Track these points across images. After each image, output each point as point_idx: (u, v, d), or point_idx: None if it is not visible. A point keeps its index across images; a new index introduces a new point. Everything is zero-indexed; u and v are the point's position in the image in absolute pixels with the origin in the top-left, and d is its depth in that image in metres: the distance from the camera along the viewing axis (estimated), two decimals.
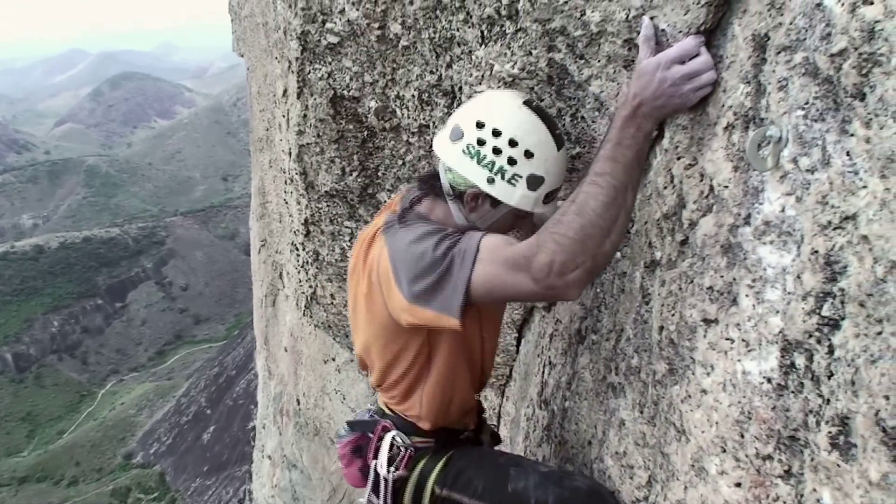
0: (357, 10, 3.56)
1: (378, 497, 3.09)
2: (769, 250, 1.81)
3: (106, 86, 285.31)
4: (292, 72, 4.52)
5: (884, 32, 1.39)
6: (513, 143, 2.55)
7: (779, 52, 1.80)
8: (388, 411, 3.21)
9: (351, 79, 4.12)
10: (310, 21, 4.01)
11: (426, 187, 2.94)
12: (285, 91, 5.22)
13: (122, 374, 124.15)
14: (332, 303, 6.46)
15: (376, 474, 3.09)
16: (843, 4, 1.51)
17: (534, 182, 2.59)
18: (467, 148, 2.63)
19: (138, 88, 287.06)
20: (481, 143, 2.59)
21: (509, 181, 2.59)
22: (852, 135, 1.48)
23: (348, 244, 5.57)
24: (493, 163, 2.58)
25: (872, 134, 1.42)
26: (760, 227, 1.84)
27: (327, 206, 5.33)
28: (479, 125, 2.59)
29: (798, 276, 1.66)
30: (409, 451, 3.08)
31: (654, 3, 2.26)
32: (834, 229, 1.54)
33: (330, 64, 4.16)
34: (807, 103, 1.66)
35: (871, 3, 1.43)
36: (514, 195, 2.61)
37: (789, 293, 1.70)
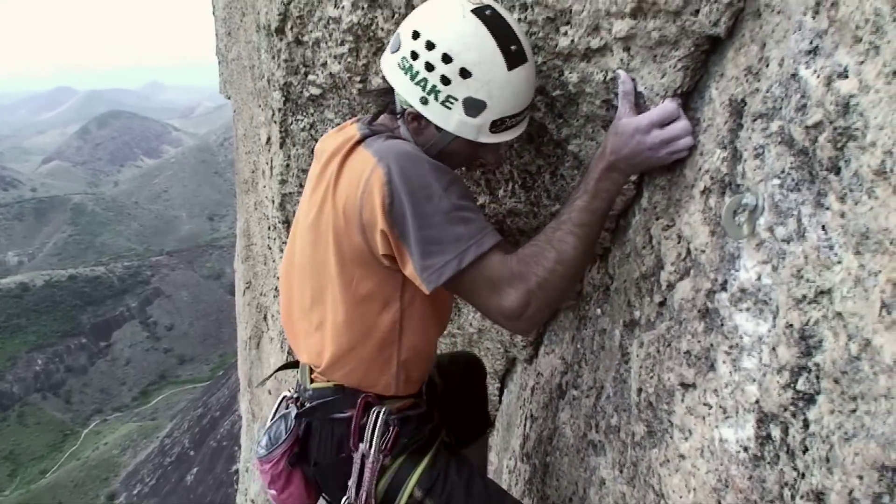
0: (339, 63, 3.57)
1: (354, 493, 2.70)
2: (745, 318, 1.80)
3: (93, 124, 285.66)
4: (275, 121, 4.52)
5: (859, 107, 1.39)
6: (446, 59, 2.25)
7: (755, 119, 1.80)
8: (327, 383, 2.78)
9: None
10: (292, 73, 4.01)
11: (382, 104, 2.74)
12: (269, 139, 5.23)
13: (105, 413, 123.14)
14: None
15: (362, 463, 2.67)
16: (818, 76, 1.51)
17: (472, 107, 2.31)
18: (402, 61, 2.36)
19: (125, 127, 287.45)
20: (415, 56, 2.31)
21: (443, 103, 2.33)
22: (828, 208, 1.48)
23: None
24: (426, 80, 2.31)
25: (847, 209, 1.42)
26: (737, 293, 1.84)
27: None
28: (415, 35, 2.31)
29: (773, 349, 1.65)
30: (394, 428, 2.72)
31: (632, 66, 2.26)
32: (809, 303, 1.53)
33: (312, 115, 4.16)
34: (783, 172, 1.66)
35: (846, 77, 1.43)
36: (451, 120, 2.36)
37: (765, 365, 1.69)
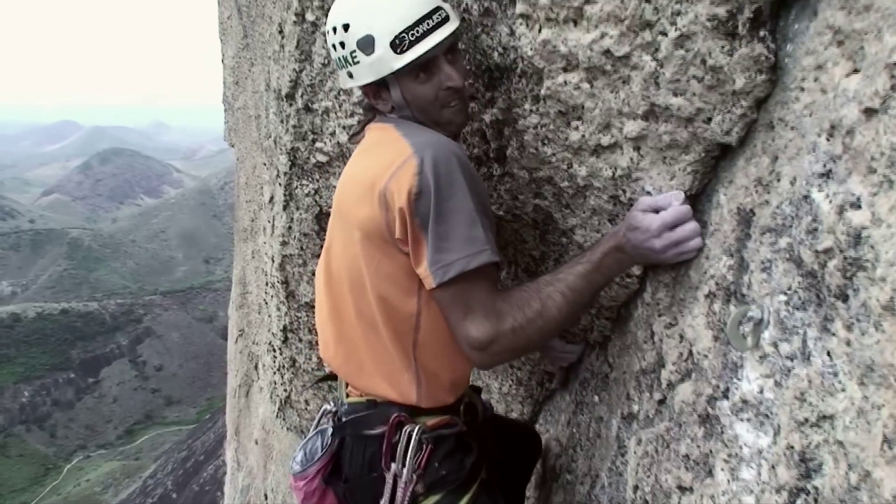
0: (347, 134, 3.59)
1: None
2: (746, 428, 1.79)
3: (96, 160, 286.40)
4: (280, 184, 4.54)
5: (870, 239, 1.39)
6: (335, 31, 2.50)
7: (763, 233, 1.81)
8: (361, 397, 2.74)
9: None
10: (300, 139, 4.04)
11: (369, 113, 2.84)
12: (272, 198, 5.24)
13: (89, 450, 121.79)
14: (305, 409, 6.38)
15: (394, 484, 2.59)
16: (830, 202, 1.52)
17: (365, 46, 2.44)
18: (335, 63, 2.64)
19: (127, 165, 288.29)
20: (333, 49, 2.57)
21: (354, 63, 2.50)
22: (834, 334, 1.48)
23: None
24: (342, 58, 2.54)
25: (854, 338, 1.41)
26: (738, 403, 1.83)
27: (307, 316, 5.30)
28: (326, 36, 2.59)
29: (773, 467, 1.64)
30: (428, 446, 2.61)
31: (641, 165, 2.27)
32: (811, 426, 1.53)
33: (317, 181, 4.18)
34: (790, 289, 1.66)
35: (859, 208, 1.43)
36: (364, 71, 2.50)
37: (764, 481, 1.68)
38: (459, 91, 2.56)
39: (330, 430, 2.79)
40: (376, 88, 2.59)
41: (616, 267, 2.37)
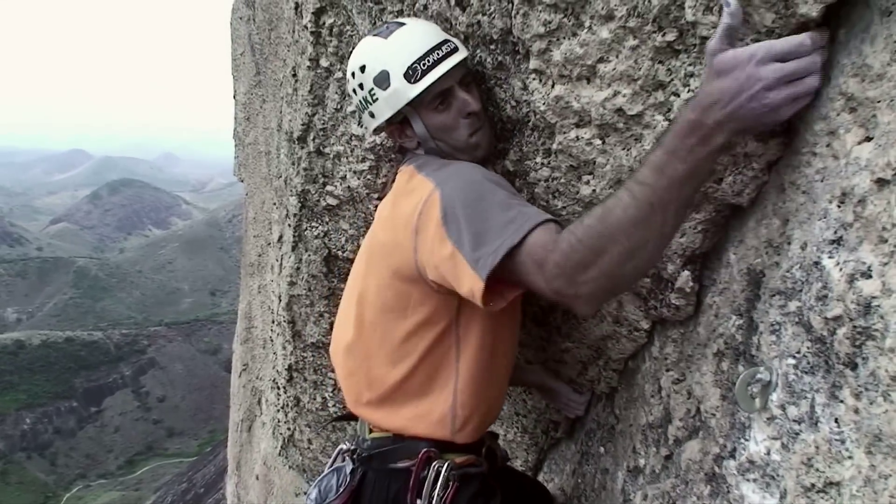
0: (358, 179, 3.62)
1: None
2: (752, 488, 1.79)
3: (105, 189, 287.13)
4: (289, 225, 4.56)
5: (880, 309, 1.39)
6: (353, 75, 2.68)
7: (773, 295, 1.81)
8: (391, 436, 2.71)
9: (346, 241, 4.16)
10: (311, 181, 4.07)
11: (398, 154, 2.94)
12: (280, 237, 5.26)
13: (89, 479, 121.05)
14: (308, 447, 6.36)
15: None
16: (841, 270, 1.52)
17: (381, 81, 2.58)
18: (356, 107, 2.81)
19: (136, 195, 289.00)
20: (354, 93, 2.73)
21: (374, 101, 2.64)
22: (842, 401, 1.48)
23: (330, 394, 5.51)
24: (362, 101, 2.69)
25: (862, 407, 1.41)
26: (745, 463, 1.83)
27: (312, 356, 5.30)
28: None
29: None
30: (454, 484, 2.59)
31: None
32: (818, 492, 1.53)
33: (327, 224, 4.20)
34: (798, 353, 1.66)
35: (870, 277, 1.43)
36: (383, 106, 2.63)
37: None
38: (479, 115, 2.66)
39: (349, 467, 2.75)
40: (400, 127, 2.72)
41: (702, 147, 1.74)
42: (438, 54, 2.54)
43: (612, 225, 1.88)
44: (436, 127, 2.65)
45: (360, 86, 2.65)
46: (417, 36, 2.59)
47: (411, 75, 2.52)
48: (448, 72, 2.53)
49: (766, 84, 1.64)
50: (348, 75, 2.73)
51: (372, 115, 2.69)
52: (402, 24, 2.64)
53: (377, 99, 2.61)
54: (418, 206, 2.42)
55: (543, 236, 2.08)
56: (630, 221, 1.85)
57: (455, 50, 2.58)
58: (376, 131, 2.84)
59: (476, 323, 2.58)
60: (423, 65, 2.53)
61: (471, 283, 2.18)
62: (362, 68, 2.62)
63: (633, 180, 1.87)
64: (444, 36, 2.61)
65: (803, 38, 1.65)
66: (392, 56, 2.56)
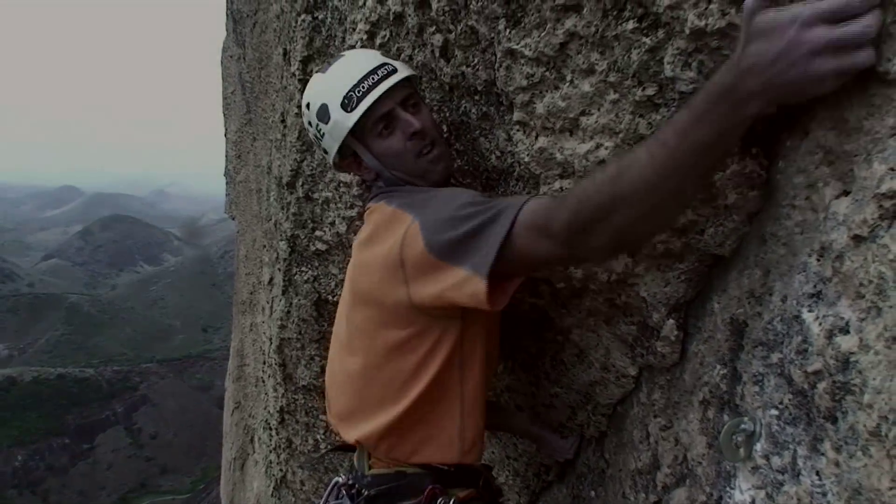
0: (346, 224, 3.64)
1: None
2: None
3: (96, 226, 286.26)
4: (279, 269, 4.58)
5: (858, 365, 1.40)
6: (305, 110, 2.67)
7: (756, 346, 1.82)
8: (388, 468, 2.65)
9: (336, 285, 4.17)
10: (300, 226, 4.09)
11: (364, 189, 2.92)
12: (271, 280, 5.28)
13: None
14: (301, 489, 6.34)
15: None
16: (820, 325, 1.53)
17: (322, 114, 2.57)
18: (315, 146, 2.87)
19: (128, 232, 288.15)
20: (307, 132, 2.75)
21: (322, 135, 2.63)
22: (823, 454, 1.49)
23: (322, 436, 5.50)
24: (315, 137, 2.69)
25: (842, 460, 1.43)
26: None
27: (304, 398, 5.30)
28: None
29: None
30: None
31: (636, 271, 2.29)
32: None
33: (316, 268, 4.22)
34: (781, 404, 1.67)
35: (848, 333, 1.44)
36: (329, 140, 2.60)
37: None
38: (425, 134, 2.55)
39: (341, 499, 2.70)
40: (355, 160, 2.68)
41: (733, 114, 1.57)
42: (374, 79, 2.49)
43: (626, 186, 1.77)
44: (384, 154, 2.58)
45: (310, 123, 2.66)
46: (353, 64, 2.55)
47: (347, 104, 2.50)
48: (386, 93, 2.47)
49: (811, 48, 1.43)
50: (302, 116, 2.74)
51: (325, 152, 2.68)
52: (342, 55, 2.64)
53: (324, 134, 2.60)
54: (398, 241, 2.33)
55: (535, 206, 2.03)
56: (646, 183, 1.74)
57: (393, 71, 2.52)
58: (337, 168, 2.77)
59: (478, 339, 2.53)
60: (358, 91, 2.49)
61: (473, 288, 2.11)
62: (308, 105, 2.64)
63: (653, 139, 1.75)
64: (383, 60, 2.56)
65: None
66: (330, 88, 2.55)
